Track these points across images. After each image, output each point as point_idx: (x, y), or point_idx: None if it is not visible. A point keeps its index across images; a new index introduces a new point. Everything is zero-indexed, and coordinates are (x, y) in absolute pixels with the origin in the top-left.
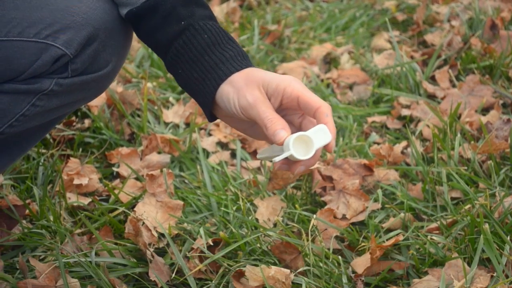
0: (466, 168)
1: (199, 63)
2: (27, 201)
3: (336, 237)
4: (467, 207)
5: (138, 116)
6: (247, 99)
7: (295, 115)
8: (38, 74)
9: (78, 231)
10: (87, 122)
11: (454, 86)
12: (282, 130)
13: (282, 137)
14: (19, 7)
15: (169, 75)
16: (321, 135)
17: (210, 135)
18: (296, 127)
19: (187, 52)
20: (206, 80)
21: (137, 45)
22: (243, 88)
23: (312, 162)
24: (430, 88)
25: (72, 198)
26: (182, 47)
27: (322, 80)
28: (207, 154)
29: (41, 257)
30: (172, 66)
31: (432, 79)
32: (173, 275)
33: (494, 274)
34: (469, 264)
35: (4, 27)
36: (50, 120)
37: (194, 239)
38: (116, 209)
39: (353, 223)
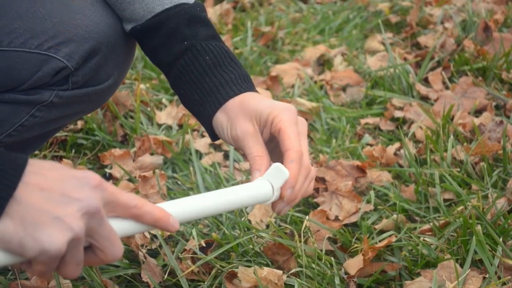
0: (459, 169)
1: (200, 85)
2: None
3: (329, 238)
4: (459, 208)
5: (131, 117)
6: (237, 131)
7: None
8: (39, 85)
9: None
10: (80, 123)
11: (447, 88)
12: (257, 171)
13: (253, 179)
14: (22, 17)
15: (162, 76)
16: (278, 173)
17: (203, 136)
18: None
19: (188, 73)
20: (205, 103)
21: None
22: (235, 118)
23: (291, 199)
24: (423, 90)
25: None
26: (184, 67)
27: (315, 82)
28: (200, 155)
29: None
30: (175, 86)
31: (425, 81)
32: (166, 276)
33: (487, 276)
34: (462, 266)
35: (7, 37)
36: (48, 130)
37: (187, 240)
38: None
39: (345, 225)
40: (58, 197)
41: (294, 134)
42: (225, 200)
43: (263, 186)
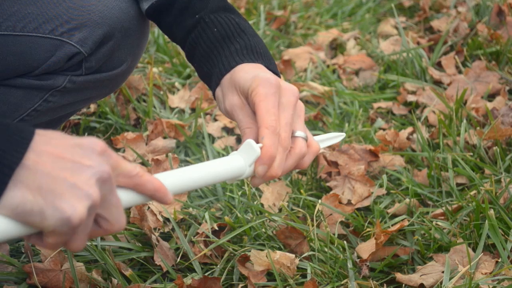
0: (471, 154)
1: (208, 57)
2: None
3: (341, 222)
4: (472, 193)
5: (144, 101)
6: (226, 104)
7: None
8: (52, 70)
9: None
10: (92, 107)
11: (460, 72)
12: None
13: None
14: (35, 2)
15: (175, 60)
16: (249, 150)
17: (215, 120)
18: None
19: (198, 47)
20: (212, 76)
21: None
22: (226, 92)
23: (268, 175)
24: (436, 74)
25: None
26: (194, 41)
27: (328, 66)
28: (212, 139)
29: None
30: (190, 59)
31: (438, 65)
32: (178, 259)
33: (499, 260)
34: (474, 250)
35: (20, 22)
36: (61, 115)
37: (199, 224)
38: None
39: (358, 209)
40: (70, 165)
41: (268, 107)
42: (201, 174)
43: (235, 162)
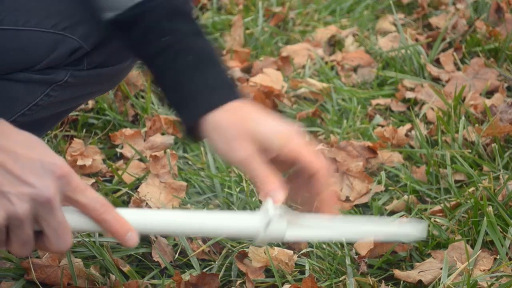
0: (470, 151)
1: (180, 88)
2: None
3: None
4: (470, 189)
5: (142, 97)
6: (237, 155)
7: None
8: (54, 65)
9: None
10: (90, 103)
11: (458, 69)
12: (279, 190)
13: (278, 200)
14: None
15: None
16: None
17: None
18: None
19: (167, 73)
20: (185, 108)
21: None
22: (233, 141)
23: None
24: (434, 71)
25: None
26: (163, 67)
27: (326, 63)
28: None
29: None
30: (156, 84)
31: (437, 62)
32: (176, 255)
33: (498, 257)
34: (473, 247)
35: (23, 16)
36: (62, 110)
37: None
38: (120, 189)
39: (356, 205)
40: (12, 177)
41: (314, 154)
42: (198, 224)
43: (244, 220)
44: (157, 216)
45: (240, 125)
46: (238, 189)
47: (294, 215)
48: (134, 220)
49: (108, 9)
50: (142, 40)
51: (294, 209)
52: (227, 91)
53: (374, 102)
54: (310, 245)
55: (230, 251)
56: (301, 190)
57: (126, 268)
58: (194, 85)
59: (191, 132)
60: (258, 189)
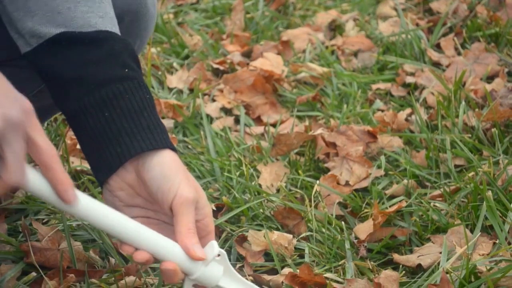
0: (470, 135)
1: (137, 120)
2: (31, 164)
3: (339, 203)
4: (470, 174)
5: None
6: (184, 195)
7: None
8: None
9: None
10: None
11: (459, 54)
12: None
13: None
14: None
15: (173, 40)
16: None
17: (214, 100)
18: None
19: (124, 101)
20: (134, 140)
21: None
22: (183, 182)
23: None
24: (435, 56)
25: (76, 162)
26: (118, 94)
27: (326, 47)
28: (210, 119)
29: (44, 221)
30: (73, 128)
31: (437, 47)
32: None
33: (497, 241)
34: (472, 231)
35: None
36: None
37: None
38: None
39: (356, 190)
40: None
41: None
42: (141, 240)
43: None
44: (102, 211)
45: (186, 173)
46: (238, 173)
47: (228, 267)
48: (82, 199)
49: (61, 25)
50: (103, 61)
51: None
52: (168, 138)
53: (374, 86)
54: (309, 229)
55: (230, 235)
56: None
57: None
58: (144, 124)
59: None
60: (179, 236)
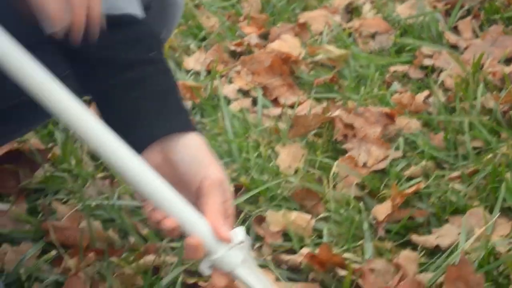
0: (488, 118)
1: (160, 102)
2: (49, 144)
3: (357, 184)
4: (489, 156)
5: None
6: (211, 176)
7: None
8: None
9: (100, 175)
10: None
11: (477, 37)
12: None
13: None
14: None
15: (190, 22)
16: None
17: (231, 82)
18: None
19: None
20: (161, 121)
21: None
22: (209, 165)
23: None
24: (452, 38)
25: None
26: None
27: (344, 30)
28: (228, 101)
29: (63, 200)
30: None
31: (455, 30)
32: None
33: None
34: (491, 213)
35: None
36: None
37: None
38: None
39: (374, 171)
40: None
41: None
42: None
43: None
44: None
45: (213, 156)
46: (255, 155)
47: (248, 256)
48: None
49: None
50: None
51: None
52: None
53: (391, 69)
54: (327, 209)
55: (248, 215)
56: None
57: (145, 231)
58: (172, 107)
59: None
60: (208, 215)
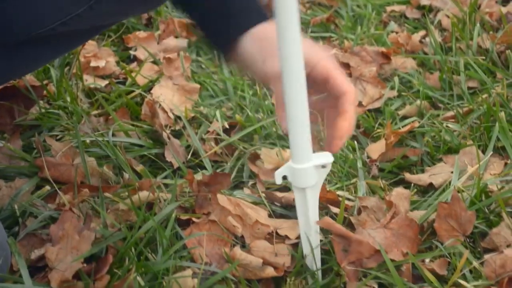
0: (484, 58)
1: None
2: (45, 82)
3: None
4: (483, 96)
5: None
6: (270, 67)
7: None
8: None
9: (95, 112)
10: None
11: None
12: None
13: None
14: None
15: None
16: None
17: None
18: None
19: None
20: (232, 20)
21: None
22: (272, 54)
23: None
24: None
25: (89, 80)
26: None
27: None
28: None
29: (58, 137)
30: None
31: None
32: (189, 156)
33: (508, 162)
34: (484, 152)
35: None
36: (100, 25)
37: (210, 122)
38: (133, 91)
39: (369, 110)
40: None
41: (344, 78)
42: None
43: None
44: None
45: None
46: (251, 93)
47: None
48: None
49: None
50: None
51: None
52: (265, 12)
53: (389, 8)
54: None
55: (242, 152)
56: (325, 112)
57: (139, 168)
58: (240, 3)
59: (226, 45)
60: (278, 107)
